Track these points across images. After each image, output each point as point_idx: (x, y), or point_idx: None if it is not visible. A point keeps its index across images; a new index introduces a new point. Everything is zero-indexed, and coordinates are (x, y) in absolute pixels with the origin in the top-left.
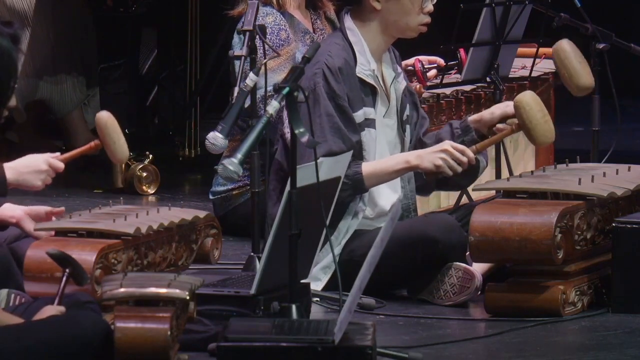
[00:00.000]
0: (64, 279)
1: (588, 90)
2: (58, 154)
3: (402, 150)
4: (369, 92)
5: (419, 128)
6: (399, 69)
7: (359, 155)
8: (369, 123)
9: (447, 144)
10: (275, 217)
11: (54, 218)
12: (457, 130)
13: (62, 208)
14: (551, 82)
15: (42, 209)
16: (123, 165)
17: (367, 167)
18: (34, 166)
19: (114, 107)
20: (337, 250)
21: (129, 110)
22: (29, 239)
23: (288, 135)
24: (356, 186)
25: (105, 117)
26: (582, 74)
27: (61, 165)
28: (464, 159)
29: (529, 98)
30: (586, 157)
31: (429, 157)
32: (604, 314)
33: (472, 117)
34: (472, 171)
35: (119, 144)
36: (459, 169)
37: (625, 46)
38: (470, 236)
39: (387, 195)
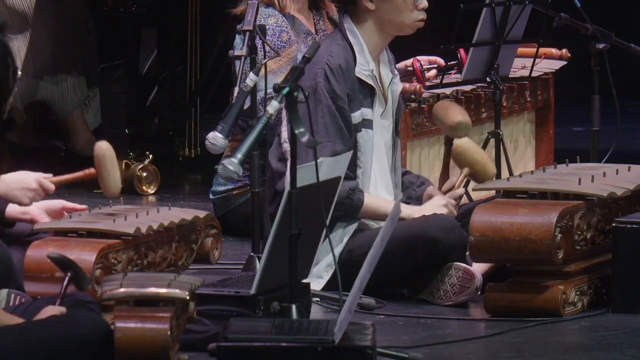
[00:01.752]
0: (65, 283)
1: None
2: (50, 175)
3: (394, 153)
4: (367, 92)
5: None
6: (395, 72)
7: (353, 157)
8: (367, 124)
9: (442, 201)
10: (273, 216)
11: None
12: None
13: (85, 206)
14: (551, 82)
15: (58, 203)
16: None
17: (368, 200)
18: (24, 183)
19: (114, 107)
20: (339, 247)
21: (129, 110)
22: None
23: (284, 135)
24: (351, 212)
25: (104, 148)
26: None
27: (52, 187)
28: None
29: (464, 142)
30: (586, 157)
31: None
32: (604, 314)
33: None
34: None
35: (114, 177)
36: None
37: (625, 46)
38: (470, 236)
39: (387, 197)
